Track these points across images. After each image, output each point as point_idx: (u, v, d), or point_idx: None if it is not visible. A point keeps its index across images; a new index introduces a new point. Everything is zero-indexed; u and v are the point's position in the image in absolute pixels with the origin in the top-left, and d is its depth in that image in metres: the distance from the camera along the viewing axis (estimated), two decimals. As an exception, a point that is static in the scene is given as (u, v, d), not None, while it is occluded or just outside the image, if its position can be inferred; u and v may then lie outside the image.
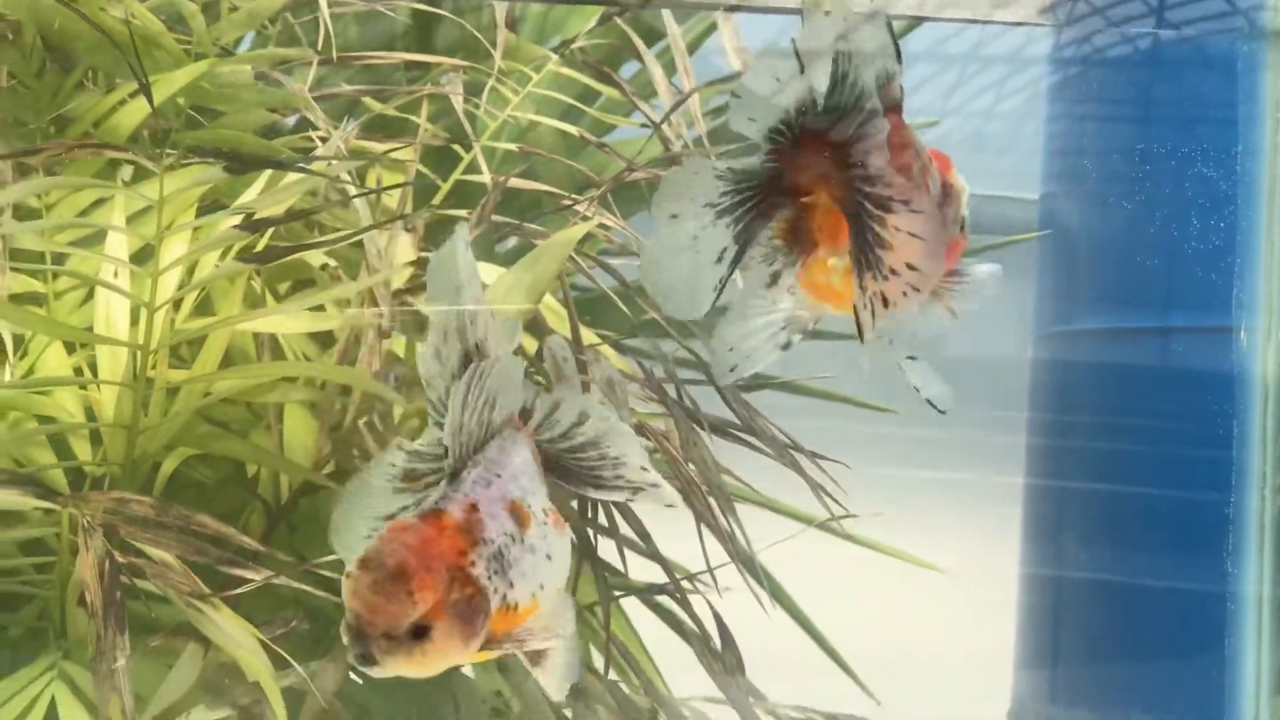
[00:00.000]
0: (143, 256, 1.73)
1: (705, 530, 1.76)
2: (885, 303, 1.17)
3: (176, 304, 1.71)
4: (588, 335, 1.76)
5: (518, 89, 1.94)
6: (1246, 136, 2.29)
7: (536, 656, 1.22)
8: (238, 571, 1.56)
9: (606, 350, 1.79)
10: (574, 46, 1.97)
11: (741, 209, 1.18)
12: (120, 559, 1.54)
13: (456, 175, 1.89)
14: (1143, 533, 2.44)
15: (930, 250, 1.18)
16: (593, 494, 1.26)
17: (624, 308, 1.88)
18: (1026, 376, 2.61)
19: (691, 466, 1.77)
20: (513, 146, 1.94)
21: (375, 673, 1.13)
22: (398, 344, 1.76)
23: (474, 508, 1.17)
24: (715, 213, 1.18)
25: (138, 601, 1.59)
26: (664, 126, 1.95)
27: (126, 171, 1.79)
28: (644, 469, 1.23)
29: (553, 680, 1.22)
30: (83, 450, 1.72)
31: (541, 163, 1.93)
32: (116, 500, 1.57)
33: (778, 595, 2.11)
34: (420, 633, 1.12)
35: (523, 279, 1.71)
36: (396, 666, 1.12)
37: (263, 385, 1.71)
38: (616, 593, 1.82)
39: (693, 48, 2.05)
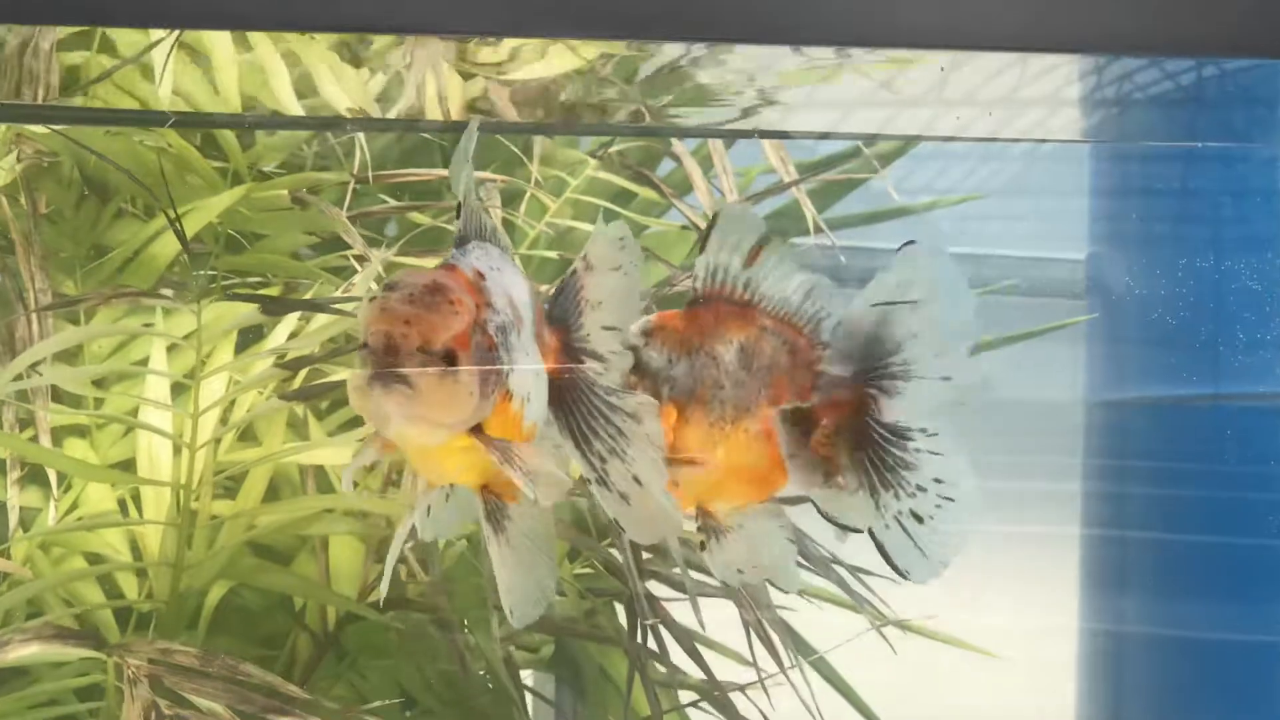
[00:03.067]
0: (183, 385, 1.73)
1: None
2: None
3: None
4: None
5: (555, 196, 1.92)
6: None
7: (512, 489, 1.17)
8: (284, 719, 1.55)
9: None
10: (610, 150, 1.95)
11: None
12: (166, 709, 1.54)
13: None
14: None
15: None
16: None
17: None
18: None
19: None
20: (553, 254, 1.92)
21: (393, 401, 1.05)
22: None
23: (481, 275, 1.13)
24: None
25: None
26: (701, 222, 1.93)
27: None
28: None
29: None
30: (129, 585, 1.72)
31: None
32: (161, 650, 1.56)
33: (829, 677, 2.09)
34: (450, 357, 1.07)
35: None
36: (425, 387, 1.06)
37: (307, 517, 1.71)
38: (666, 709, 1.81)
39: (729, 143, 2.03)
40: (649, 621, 1.70)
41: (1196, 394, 2.41)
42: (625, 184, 1.98)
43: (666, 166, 2.02)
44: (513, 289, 1.15)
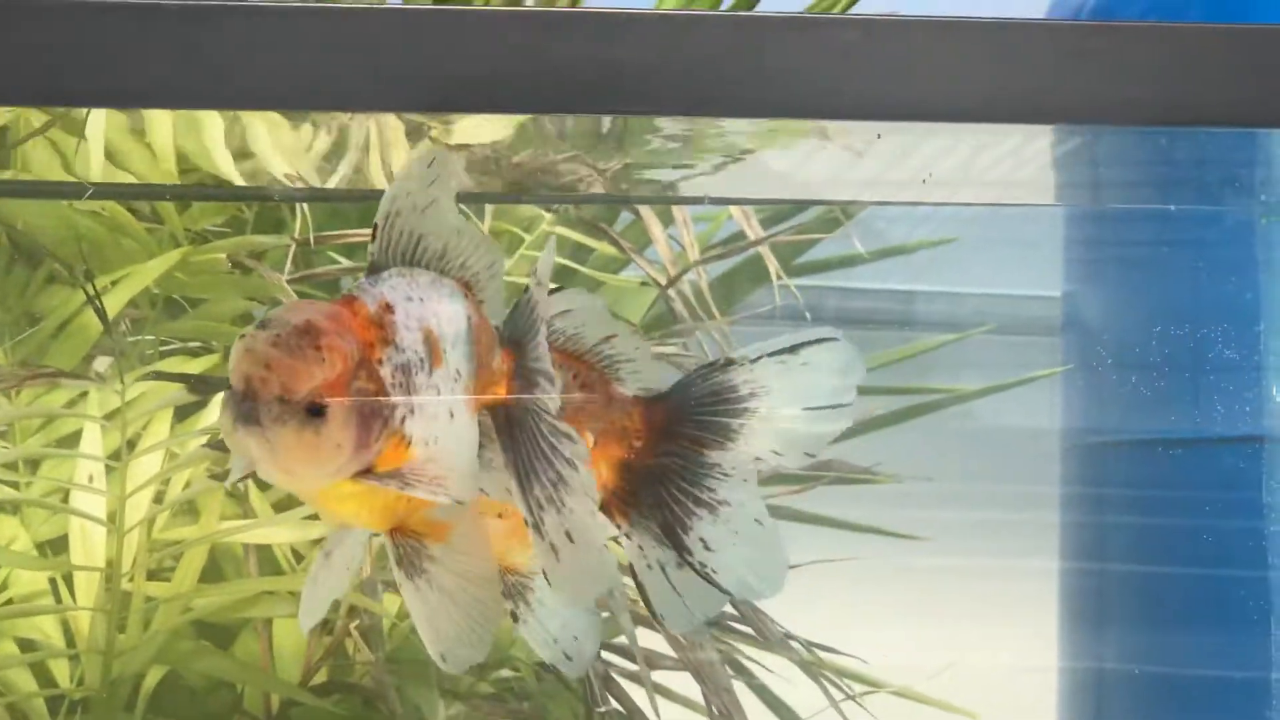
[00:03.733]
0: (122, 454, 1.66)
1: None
2: None
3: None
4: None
5: (509, 253, 1.86)
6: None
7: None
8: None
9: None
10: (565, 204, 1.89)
11: None
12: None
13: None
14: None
15: None
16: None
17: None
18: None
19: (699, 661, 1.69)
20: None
21: (254, 449, 0.97)
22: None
23: (389, 308, 1.04)
24: None
25: None
26: (661, 277, 1.87)
27: (101, 363, 1.72)
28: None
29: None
30: (61, 672, 1.65)
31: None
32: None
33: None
34: (316, 410, 0.97)
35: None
36: (281, 439, 0.97)
37: (248, 599, 1.64)
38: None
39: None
40: (602, 710, 1.64)
41: (1176, 432, 2.36)
42: (582, 239, 1.91)
43: (625, 219, 1.96)
44: (438, 320, 1.06)
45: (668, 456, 1.20)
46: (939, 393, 2.10)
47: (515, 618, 1.17)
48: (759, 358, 1.20)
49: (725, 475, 1.19)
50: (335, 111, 1.32)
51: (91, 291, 1.54)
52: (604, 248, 1.92)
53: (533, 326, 1.08)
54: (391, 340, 1.03)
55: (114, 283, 1.66)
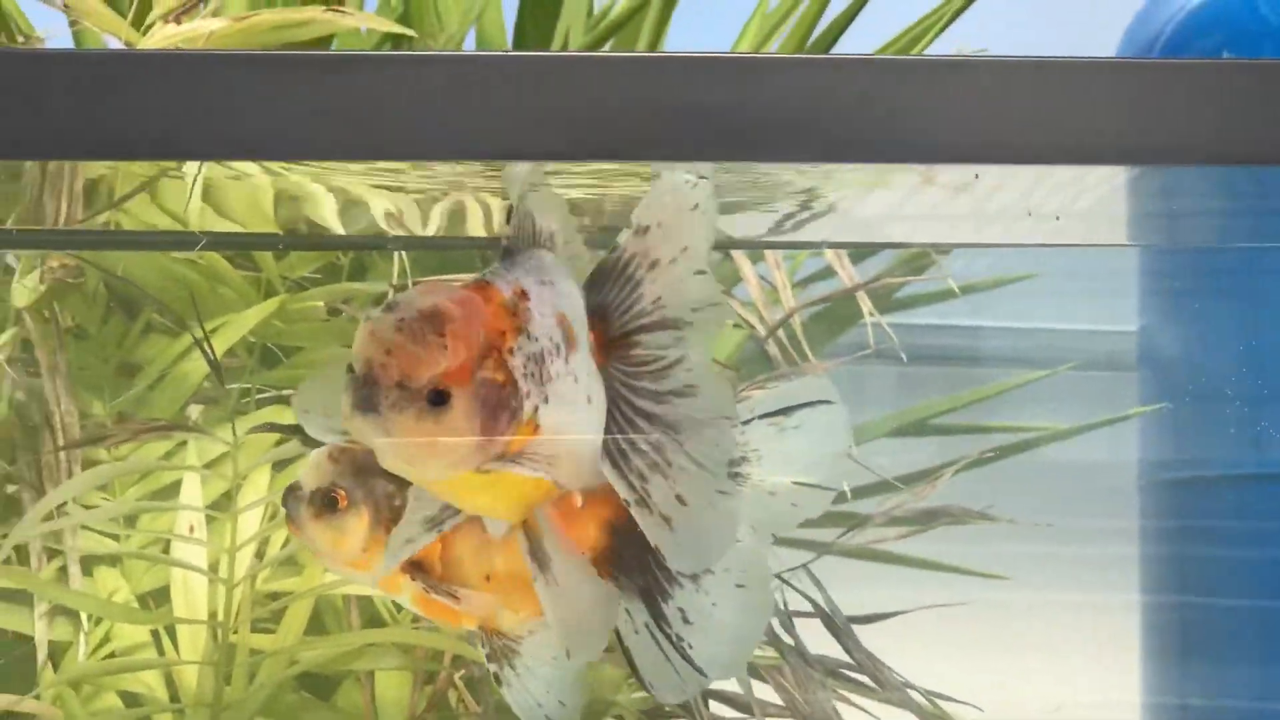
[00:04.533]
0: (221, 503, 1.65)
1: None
2: None
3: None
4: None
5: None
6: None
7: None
8: None
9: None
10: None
11: None
12: None
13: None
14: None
15: None
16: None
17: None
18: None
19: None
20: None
21: (373, 437, 0.95)
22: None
23: (524, 295, 1.00)
24: None
25: None
26: (755, 320, 1.86)
27: (194, 411, 1.71)
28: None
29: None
30: (165, 726, 1.64)
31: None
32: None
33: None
34: (439, 398, 0.94)
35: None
36: (400, 427, 0.94)
37: (352, 651, 1.62)
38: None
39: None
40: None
41: (1255, 465, 2.34)
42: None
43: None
44: (567, 302, 1.02)
45: None
46: (1028, 431, 2.08)
47: (499, 680, 1.13)
48: (750, 420, 1.15)
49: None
50: (467, 161, 1.31)
51: (201, 335, 1.53)
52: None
53: (628, 282, 1.01)
54: (525, 328, 0.99)
55: (213, 331, 1.65)
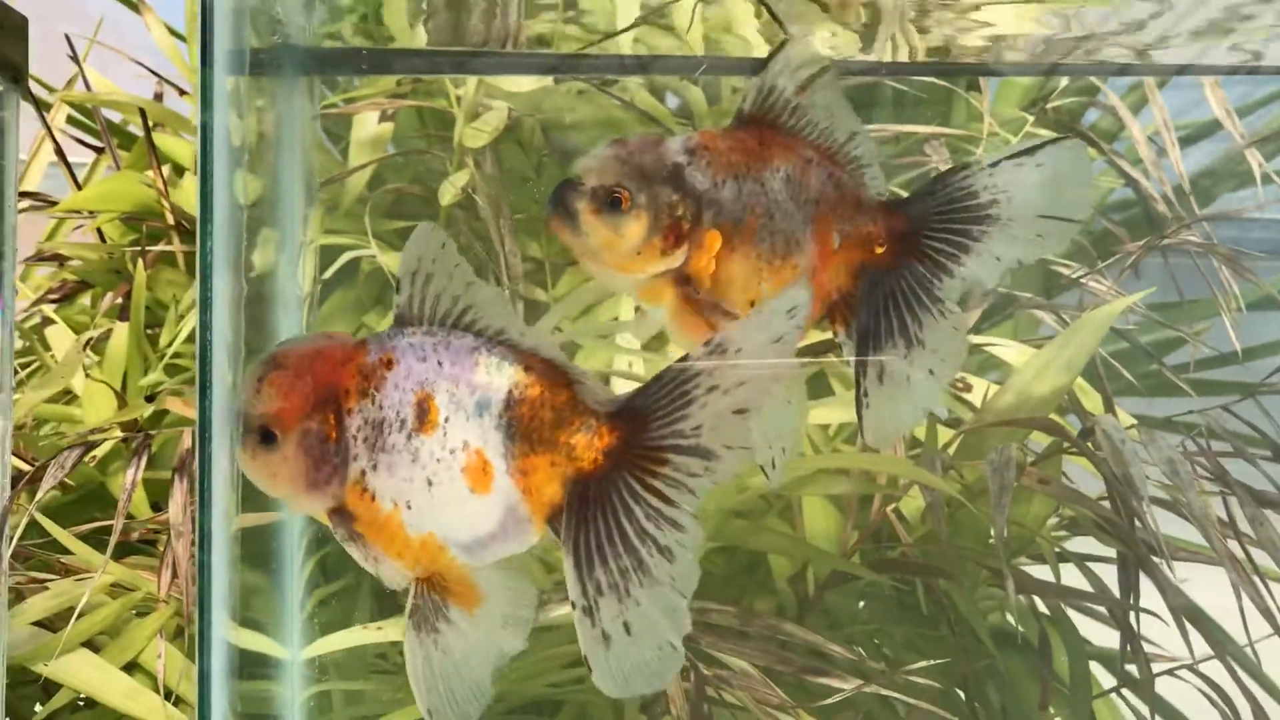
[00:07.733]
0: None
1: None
2: None
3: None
4: (1123, 416, 1.69)
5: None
6: None
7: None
8: (824, 680, 1.51)
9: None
10: (1049, 106, 1.91)
11: None
12: (705, 670, 1.51)
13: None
14: None
15: None
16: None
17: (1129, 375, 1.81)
18: None
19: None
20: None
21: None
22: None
23: (389, 364, 1.08)
24: None
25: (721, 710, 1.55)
26: (1145, 183, 1.88)
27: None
28: None
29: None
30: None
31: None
32: (696, 610, 1.53)
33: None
34: (266, 437, 1.06)
35: (1059, 355, 1.66)
36: (243, 460, 1.08)
37: (802, 478, 1.66)
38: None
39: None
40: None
41: None
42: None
43: (1090, 118, 1.97)
44: (448, 387, 1.08)
45: (905, 265, 1.24)
46: None
47: None
48: (997, 162, 1.24)
49: (942, 315, 1.24)
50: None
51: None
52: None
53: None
54: (372, 394, 1.07)
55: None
